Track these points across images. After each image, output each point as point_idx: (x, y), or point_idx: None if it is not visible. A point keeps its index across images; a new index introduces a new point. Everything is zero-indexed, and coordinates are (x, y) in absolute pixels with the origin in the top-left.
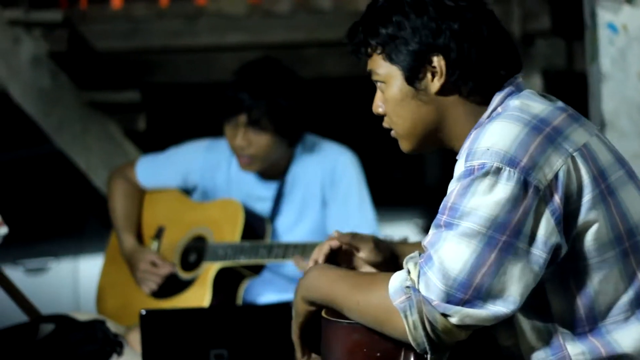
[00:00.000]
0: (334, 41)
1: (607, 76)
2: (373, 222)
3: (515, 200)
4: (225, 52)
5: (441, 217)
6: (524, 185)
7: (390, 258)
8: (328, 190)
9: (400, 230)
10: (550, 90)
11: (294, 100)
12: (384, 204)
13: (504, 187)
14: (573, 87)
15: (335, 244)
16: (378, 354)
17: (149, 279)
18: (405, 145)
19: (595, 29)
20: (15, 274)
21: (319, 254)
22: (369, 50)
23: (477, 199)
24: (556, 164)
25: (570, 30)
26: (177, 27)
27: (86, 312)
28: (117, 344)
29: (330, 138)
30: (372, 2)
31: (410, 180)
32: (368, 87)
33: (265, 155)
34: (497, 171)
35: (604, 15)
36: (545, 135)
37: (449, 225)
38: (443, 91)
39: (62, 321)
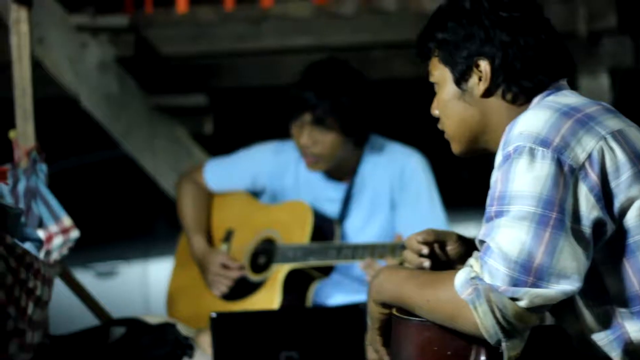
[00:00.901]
0: (400, 42)
1: None
2: (445, 224)
3: (554, 177)
4: (290, 55)
5: (490, 208)
6: (558, 163)
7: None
8: (397, 193)
9: (467, 230)
10: (618, 88)
11: (359, 99)
12: (451, 204)
13: (541, 165)
14: None
15: (425, 238)
16: (449, 352)
17: (220, 282)
18: (454, 147)
19: None
20: (86, 278)
21: (420, 248)
22: (429, 52)
23: (518, 181)
24: (589, 144)
25: (637, 28)
26: (243, 30)
27: (156, 315)
28: (187, 347)
29: (398, 139)
30: (438, 7)
31: (478, 181)
32: (434, 88)
33: (331, 154)
34: (531, 151)
35: None
36: (576, 120)
37: (499, 214)
38: (487, 94)
39: (133, 324)
